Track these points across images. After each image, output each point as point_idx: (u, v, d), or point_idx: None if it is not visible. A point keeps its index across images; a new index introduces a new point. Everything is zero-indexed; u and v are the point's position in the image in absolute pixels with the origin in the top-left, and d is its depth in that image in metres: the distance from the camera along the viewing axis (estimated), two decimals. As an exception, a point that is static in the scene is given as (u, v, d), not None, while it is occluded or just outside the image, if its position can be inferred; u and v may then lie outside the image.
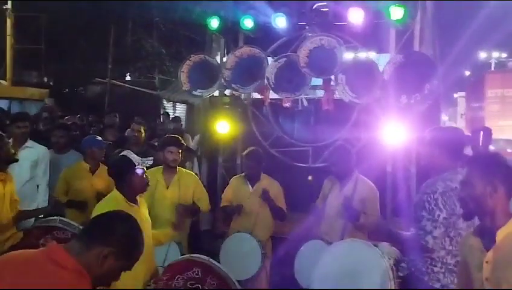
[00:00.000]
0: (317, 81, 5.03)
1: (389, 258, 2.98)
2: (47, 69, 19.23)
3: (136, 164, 3.09)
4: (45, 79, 19.74)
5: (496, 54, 27.84)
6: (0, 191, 3.60)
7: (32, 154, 4.74)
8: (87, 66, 18.60)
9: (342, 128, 5.27)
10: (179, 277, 3.01)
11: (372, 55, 5.29)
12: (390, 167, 5.11)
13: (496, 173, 2.05)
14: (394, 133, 4.76)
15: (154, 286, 3.07)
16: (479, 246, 2.09)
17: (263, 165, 4.61)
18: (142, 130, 5.95)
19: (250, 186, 4.62)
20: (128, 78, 20.47)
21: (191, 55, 5.29)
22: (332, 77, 4.83)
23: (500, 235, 2.01)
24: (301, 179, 5.53)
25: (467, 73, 28.72)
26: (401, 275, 2.93)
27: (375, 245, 3.11)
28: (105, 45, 17.93)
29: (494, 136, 4.05)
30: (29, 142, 4.80)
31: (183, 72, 5.22)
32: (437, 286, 2.78)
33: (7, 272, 1.76)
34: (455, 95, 28.69)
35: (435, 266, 2.82)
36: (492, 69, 25.96)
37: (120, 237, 1.86)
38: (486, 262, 2.03)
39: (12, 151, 3.84)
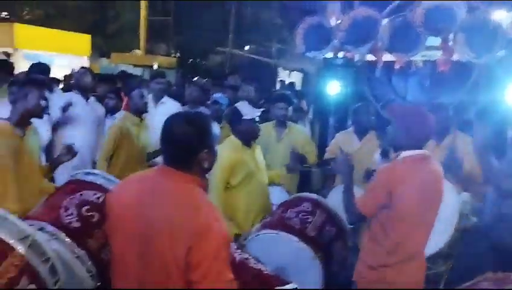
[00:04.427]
0: (432, 42, 4.91)
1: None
2: (174, 41, 20.77)
3: (245, 113, 3.46)
4: (172, 51, 21.35)
5: None
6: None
7: (167, 109, 5.24)
8: (210, 37, 19.67)
9: (458, 90, 5.10)
10: (291, 210, 3.32)
11: (502, 14, 4.99)
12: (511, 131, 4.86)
13: None
14: (516, 95, 4.51)
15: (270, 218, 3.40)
16: None
17: (372, 121, 4.70)
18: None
19: (358, 141, 4.74)
20: (247, 48, 21.21)
21: (306, 17, 5.45)
22: (451, 37, 4.69)
23: None
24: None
25: None
26: (467, 225, 2.96)
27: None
28: (227, 16, 18.81)
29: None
30: (165, 98, 5.43)
31: (298, 34, 5.42)
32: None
33: (151, 209, 1.79)
34: None
35: None
36: None
37: (203, 135, 1.89)
38: None
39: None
